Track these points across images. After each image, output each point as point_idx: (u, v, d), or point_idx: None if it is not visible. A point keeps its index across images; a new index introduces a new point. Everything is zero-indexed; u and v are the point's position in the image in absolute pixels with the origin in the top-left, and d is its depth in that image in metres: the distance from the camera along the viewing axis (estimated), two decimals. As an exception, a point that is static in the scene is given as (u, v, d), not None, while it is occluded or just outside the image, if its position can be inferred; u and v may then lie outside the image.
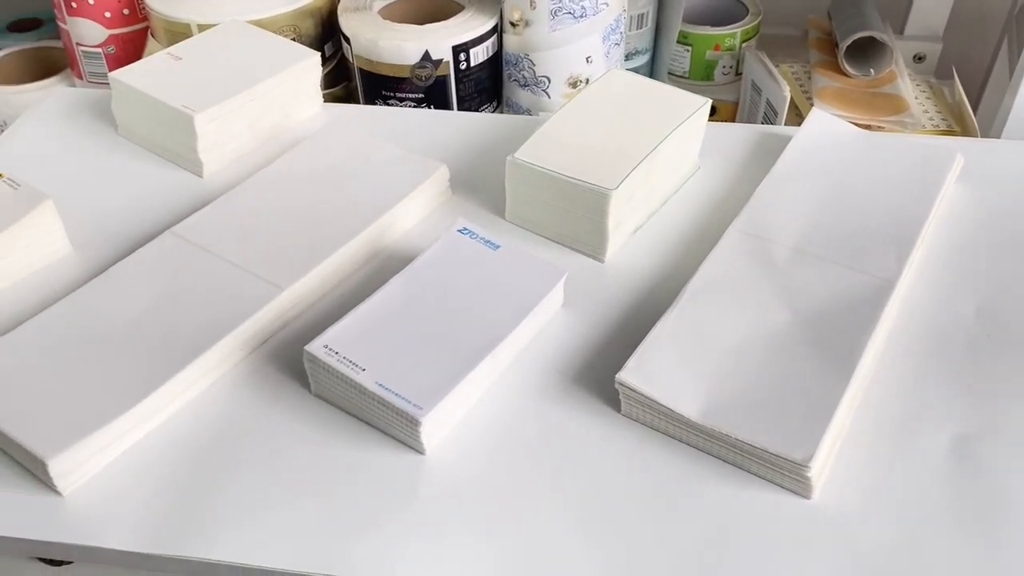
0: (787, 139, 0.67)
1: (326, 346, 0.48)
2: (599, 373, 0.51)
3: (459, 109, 0.81)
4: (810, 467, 0.43)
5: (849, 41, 0.83)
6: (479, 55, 0.79)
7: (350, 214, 0.58)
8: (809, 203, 0.59)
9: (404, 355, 0.48)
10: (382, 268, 0.58)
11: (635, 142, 0.58)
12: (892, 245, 0.55)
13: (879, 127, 0.78)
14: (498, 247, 0.55)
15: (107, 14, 0.85)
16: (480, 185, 0.65)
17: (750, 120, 0.88)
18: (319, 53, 0.71)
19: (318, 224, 0.58)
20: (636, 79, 0.65)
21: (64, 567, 0.48)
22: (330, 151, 0.64)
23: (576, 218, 0.57)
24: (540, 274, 0.53)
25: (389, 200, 0.60)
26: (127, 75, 0.67)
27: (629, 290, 0.56)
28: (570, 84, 0.79)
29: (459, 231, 0.55)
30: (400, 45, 0.76)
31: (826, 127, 0.66)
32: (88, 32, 0.86)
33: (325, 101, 0.73)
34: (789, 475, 0.44)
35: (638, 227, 0.60)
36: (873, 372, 0.50)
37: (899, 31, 0.97)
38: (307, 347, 0.48)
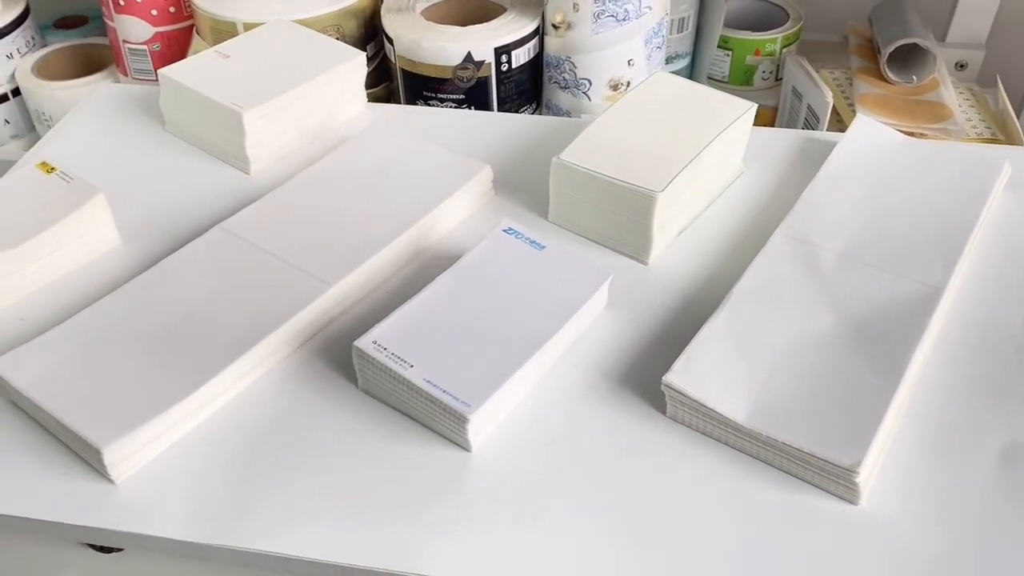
0: (830, 145, 0.67)
1: (375, 342, 0.49)
2: (643, 375, 0.51)
3: (499, 110, 0.81)
4: (859, 472, 0.43)
5: (892, 47, 0.83)
6: (520, 57, 0.79)
7: (395, 212, 0.59)
8: (855, 209, 0.58)
9: (451, 352, 0.48)
10: (425, 267, 0.59)
11: (680, 145, 0.58)
12: (939, 252, 0.55)
13: (922, 134, 0.77)
14: (543, 248, 0.55)
15: (153, 12, 0.87)
16: (522, 186, 0.65)
17: (790, 125, 0.87)
18: (364, 53, 0.71)
19: (364, 222, 0.58)
20: (681, 82, 0.65)
21: (113, 554, 0.49)
22: (375, 150, 0.64)
23: (620, 220, 0.57)
24: (585, 275, 0.53)
25: (433, 199, 0.60)
26: (176, 72, 0.68)
27: (673, 293, 0.56)
28: (611, 87, 0.79)
29: (505, 231, 0.56)
30: (443, 46, 0.77)
31: (871, 133, 0.65)
32: (134, 29, 0.88)
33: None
34: (837, 480, 0.44)
35: (682, 230, 0.60)
36: (920, 379, 0.50)
37: (941, 38, 0.97)
38: (356, 343, 0.49)
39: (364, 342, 0.49)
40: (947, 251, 0.55)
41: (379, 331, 0.49)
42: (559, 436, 0.48)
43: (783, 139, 0.69)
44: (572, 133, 0.61)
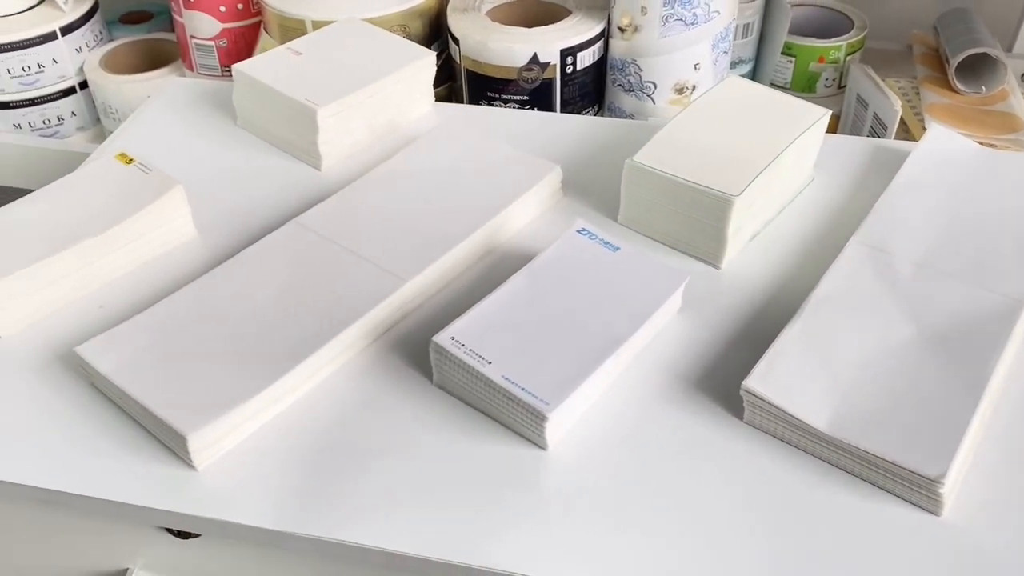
0: (900, 153, 0.66)
1: (453, 338, 0.49)
2: (718, 379, 0.51)
3: (561, 112, 0.81)
4: (943, 483, 0.43)
5: (962, 57, 0.82)
6: (585, 59, 0.80)
7: (467, 211, 0.59)
8: (932, 218, 0.58)
9: (529, 350, 0.48)
10: (495, 265, 0.59)
11: (756, 149, 0.58)
12: (1020, 264, 0.54)
13: (991, 145, 0.76)
14: (617, 249, 0.55)
15: (222, 8, 0.88)
16: (589, 187, 0.65)
17: (853, 133, 0.87)
18: (434, 53, 0.72)
19: (436, 219, 0.59)
20: (754, 87, 0.65)
21: (191, 540, 0.50)
22: (446, 149, 0.65)
23: (694, 223, 0.57)
24: (661, 277, 0.53)
25: (504, 199, 0.60)
26: (250, 67, 0.69)
27: (746, 297, 0.56)
28: (676, 90, 0.79)
29: (578, 232, 0.56)
30: (509, 47, 0.77)
31: (946, 143, 0.64)
32: (203, 25, 0.89)
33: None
34: (920, 491, 0.44)
35: (754, 235, 0.60)
36: (1003, 390, 0.49)
37: (1007, 49, 0.95)
38: (435, 338, 0.49)
39: (442, 338, 0.49)
40: (1029, 263, 0.54)
41: (457, 327, 0.50)
42: (634, 437, 0.48)
43: (852, 146, 0.69)
44: (637, 135, 0.61)
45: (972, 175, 0.62)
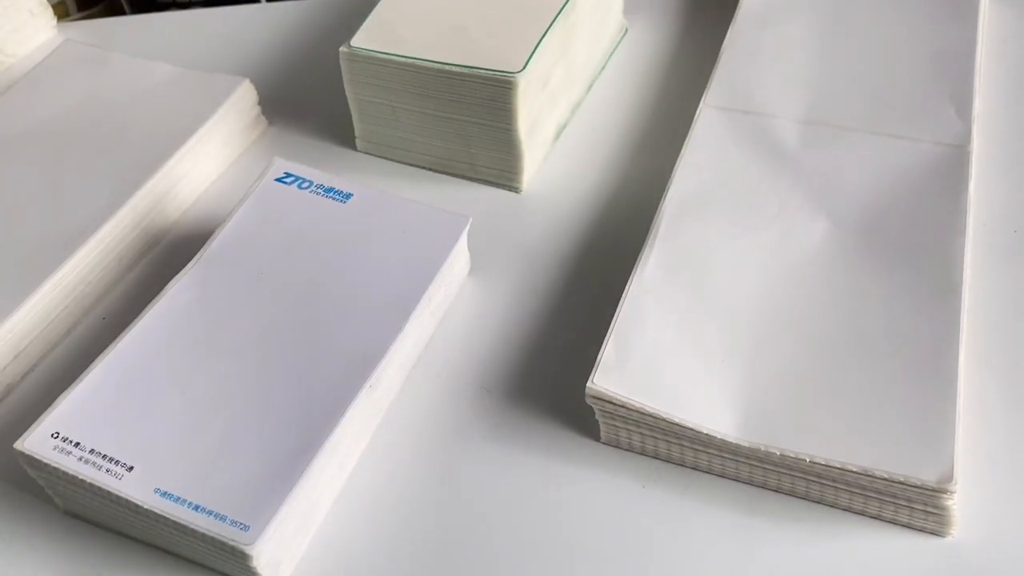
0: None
1: (56, 435, 0.26)
2: (556, 385, 0.31)
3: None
4: (951, 490, 0.25)
5: None
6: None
7: (109, 176, 0.36)
8: (807, 54, 0.39)
9: (191, 431, 0.26)
10: (173, 256, 0.36)
11: (525, 5, 0.37)
12: (947, 96, 0.36)
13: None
14: (349, 197, 0.33)
15: None
16: (304, 103, 0.43)
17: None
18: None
19: (61, 201, 0.35)
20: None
21: None
22: (74, 81, 0.40)
23: (467, 129, 0.36)
24: (428, 229, 0.32)
25: (166, 145, 0.37)
26: None
27: (564, 230, 0.36)
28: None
29: (278, 181, 0.34)
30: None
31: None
32: None
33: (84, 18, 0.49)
34: (919, 507, 0.26)
35: (561, 128, 0.40)
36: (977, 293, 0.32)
37: None
38: (17, 446, 0.26)
39: (33, 443, 0.26)
40: (957, 93, 0.37)
41: (57, 415, 0.27)
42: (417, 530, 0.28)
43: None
44: (352, 21, 0.39)
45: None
